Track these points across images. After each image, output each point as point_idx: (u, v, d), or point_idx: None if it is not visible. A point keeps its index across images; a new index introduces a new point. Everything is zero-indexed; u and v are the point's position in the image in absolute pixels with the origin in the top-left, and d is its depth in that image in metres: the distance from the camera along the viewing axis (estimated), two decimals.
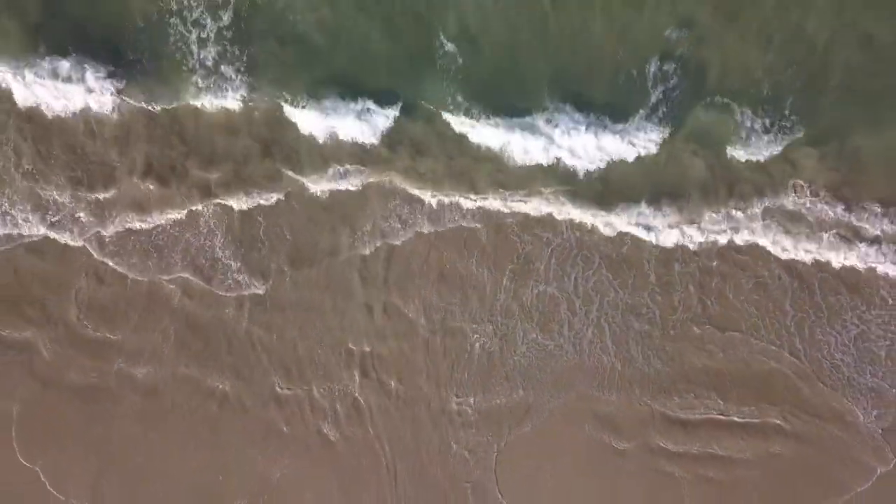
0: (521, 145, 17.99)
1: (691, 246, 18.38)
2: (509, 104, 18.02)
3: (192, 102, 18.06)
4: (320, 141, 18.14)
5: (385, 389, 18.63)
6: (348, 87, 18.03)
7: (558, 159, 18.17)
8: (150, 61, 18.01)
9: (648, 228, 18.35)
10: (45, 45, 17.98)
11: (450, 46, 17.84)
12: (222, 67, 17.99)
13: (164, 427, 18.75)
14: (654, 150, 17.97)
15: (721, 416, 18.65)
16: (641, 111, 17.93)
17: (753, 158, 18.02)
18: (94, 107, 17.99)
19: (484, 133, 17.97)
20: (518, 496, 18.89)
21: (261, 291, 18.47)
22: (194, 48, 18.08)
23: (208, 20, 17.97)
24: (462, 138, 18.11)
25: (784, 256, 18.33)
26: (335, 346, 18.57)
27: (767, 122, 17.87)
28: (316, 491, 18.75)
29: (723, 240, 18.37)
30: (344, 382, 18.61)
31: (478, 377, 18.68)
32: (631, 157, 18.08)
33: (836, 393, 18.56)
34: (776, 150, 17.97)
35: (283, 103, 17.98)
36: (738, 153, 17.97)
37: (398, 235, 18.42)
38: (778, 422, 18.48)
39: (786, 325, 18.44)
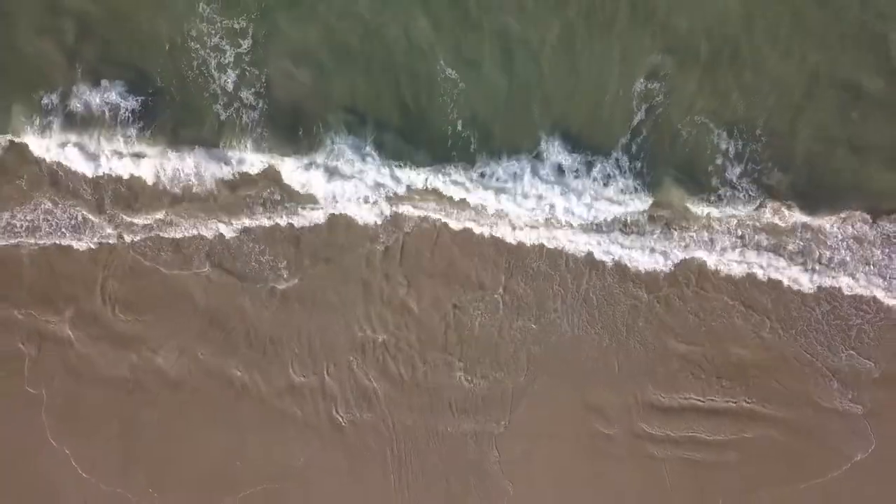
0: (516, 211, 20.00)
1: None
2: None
3: None
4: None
5: (391, 377, 20.28)
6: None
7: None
8: None
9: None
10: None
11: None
12: None
13: (187, 415, 20.33)
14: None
15: (700, 403, 20.20)
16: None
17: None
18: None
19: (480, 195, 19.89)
20: (515, 476, 20.34)
21: (287, 286, 20.28)
22: None
23: None
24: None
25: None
26: (346, 336, 20.31)
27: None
28: (327, 471, 20.25)
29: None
30: (353, 370, 20.29)
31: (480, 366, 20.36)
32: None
33: (811, 377, 20.11)
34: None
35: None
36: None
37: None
38: (755, 407, 20.03)
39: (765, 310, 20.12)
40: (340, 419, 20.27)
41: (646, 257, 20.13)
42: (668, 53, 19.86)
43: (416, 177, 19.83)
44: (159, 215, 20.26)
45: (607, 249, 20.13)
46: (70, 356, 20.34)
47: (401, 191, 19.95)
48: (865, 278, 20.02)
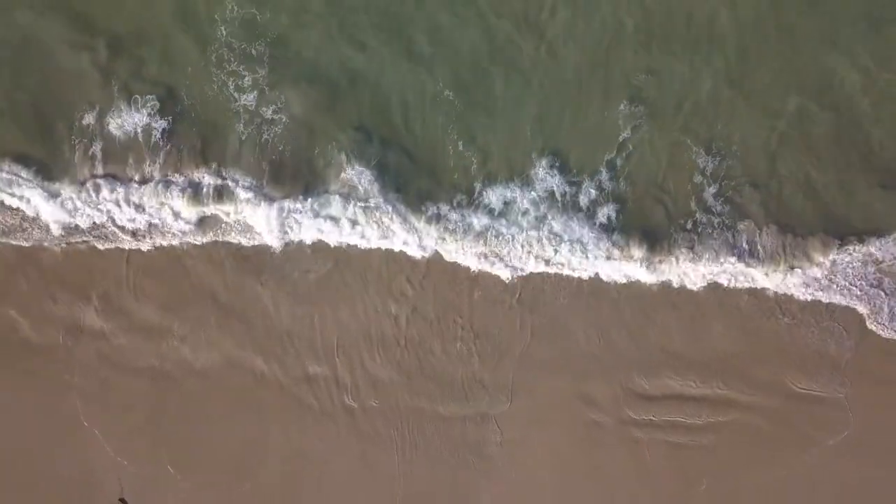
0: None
1: None
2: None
3: None
4: None
5: (399, 365, 22.24)
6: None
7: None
8: None
9: None
10: None
11: None
12: None
13: (212, 402, 22.21)
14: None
15: (681, 391, 22.17)
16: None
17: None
18: None
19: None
20: (514, 460, 22.23)
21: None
22: None
23: None
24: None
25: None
26: (358, 330, 22.26)
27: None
28: (339, 453, 22.14)
29: None
30: (364, 361, 22.24)
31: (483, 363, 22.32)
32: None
33: (786, 365, 22.09)
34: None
35: None
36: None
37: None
38: (730, 393, 22.02)
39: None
40: (353, 405, 22.17)
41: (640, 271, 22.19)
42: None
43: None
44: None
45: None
46: (103, 347, 22.21)
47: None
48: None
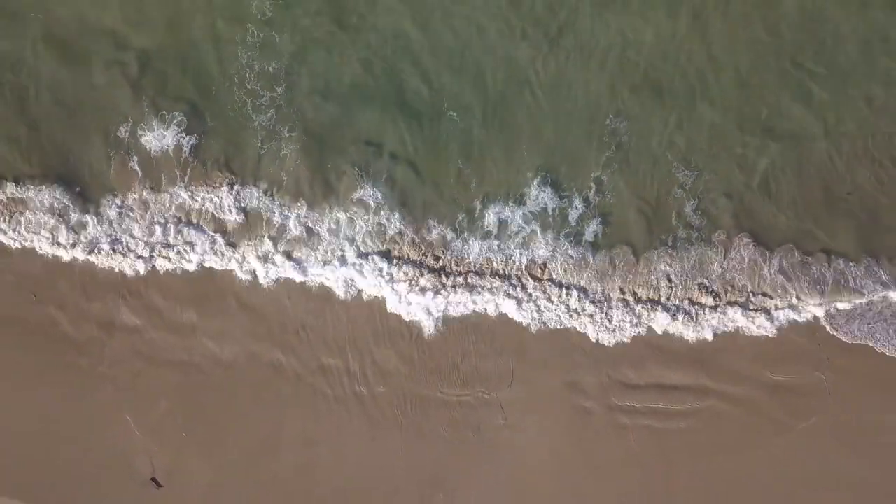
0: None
1: None
2: None
3: None
4: None
5: (404, 357, 24.42)
6: None
7: None
8: None
9: None
10: None
11: None
12: None
13: (235, 392, 24.34)
14: None
15: (662, 381, 24.30)
16: None
17: None
18: None
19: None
20: (511, 444, 24.32)
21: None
22: None
23: None
24: None
25: None
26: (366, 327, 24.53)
27: None
28: (351, 437, 24.25)
29: None
30: (372, 353, 24.44)
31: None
32: None
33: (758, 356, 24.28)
34: None
35: None
36: None
37: None
38: (707, 382, 24.16)
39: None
40: (363, 392, 24.35)
41: None
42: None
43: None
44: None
45: None
46: (136, 341, 24.42)
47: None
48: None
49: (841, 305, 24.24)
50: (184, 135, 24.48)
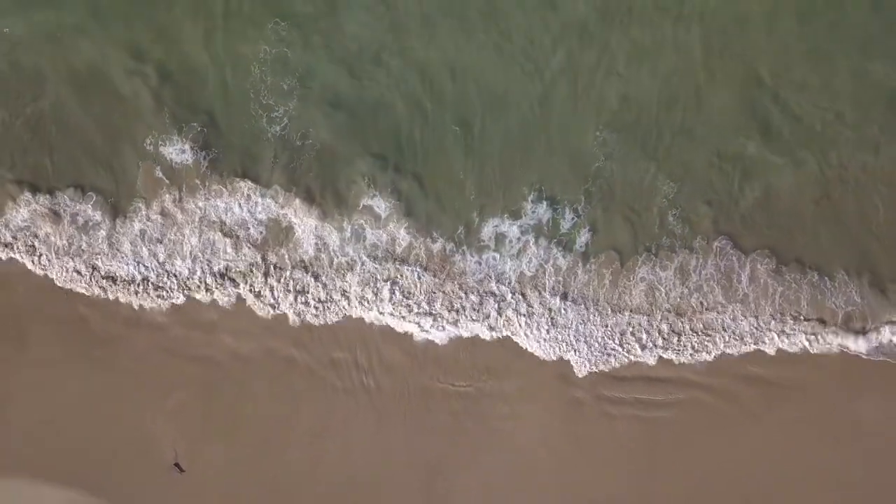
0: None
1: None
2: None
3: None
4: None
5: (408, 351, 26.42)
6: None
7: None
8: None
9: None
10: None
11: None
12: None
13: (253, 385, 26.24)
14: None
15: (648, 374, 26.27)
16: None
17: None
18: None
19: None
20: (507, 432, 26.25)
21: None
22: None
23: None
24: None
25: None
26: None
27: None
28: (360, 425, 26.22)
29: None
30: (378, 349, 26.44)
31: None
32: None
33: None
34: None
35: None
36: None
37: None
38: (686, 374, 26.13)
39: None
40: (371, 385, 26.30)
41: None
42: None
43: None
44: None
45: None
46: (161, 338, 26.36)
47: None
48: None
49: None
50: (198, 148, 26.29)
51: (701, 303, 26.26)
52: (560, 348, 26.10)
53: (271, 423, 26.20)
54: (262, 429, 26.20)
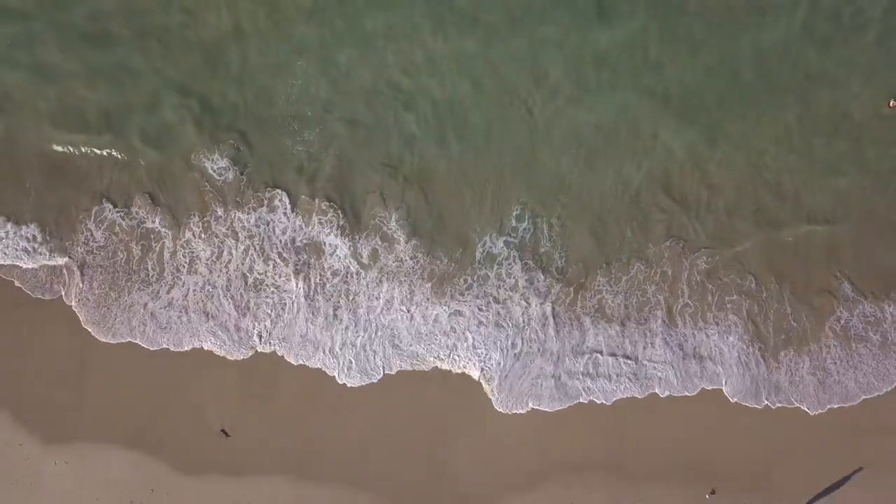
0: None
1: None
2: None
3: None
4: None
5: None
6: None
7: None
8: None
9: None
10: None
11: None
12: None
13: (282, 369, 31.68)
14: None
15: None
16: None
17: None
18: None
19: None
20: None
21: None
22: None
23: None
24: None
25: None
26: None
27: None
28: (371, 404, 31.77)
29: None
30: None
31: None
32: None
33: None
34: None
35: None
36: None
37: None
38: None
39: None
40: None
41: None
42: None
43: None
44: None
45: None
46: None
47: None
48: None
49: None
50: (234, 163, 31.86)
51: None
52: None
53: (300, 397, 31.58)
54: (293, 405, 31.49)
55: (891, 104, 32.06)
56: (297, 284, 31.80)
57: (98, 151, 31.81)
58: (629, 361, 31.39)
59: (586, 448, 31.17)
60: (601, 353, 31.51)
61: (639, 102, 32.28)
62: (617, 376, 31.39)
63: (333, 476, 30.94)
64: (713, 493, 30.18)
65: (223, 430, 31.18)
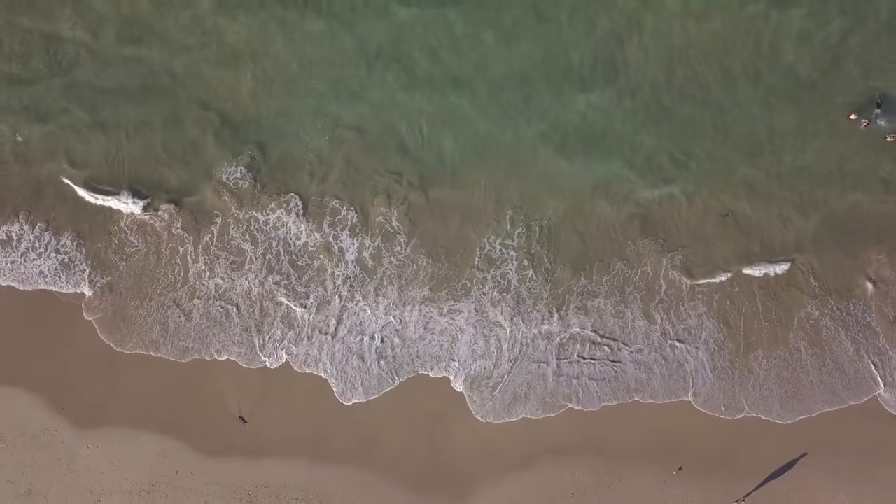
0: None
1: None
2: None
3: None
4: None
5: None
6: None
7: None
8: None
9: None
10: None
11: None
12: None
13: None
14: None
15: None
16: None
17: None
18: None
19: None
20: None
21: None
22: None
23: None
24: None
25: None
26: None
27: None
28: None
29: None
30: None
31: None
32: None
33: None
34: None
35: None
36: None
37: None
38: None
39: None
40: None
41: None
42: None
43: None
44: None
45: None
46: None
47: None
48: None
49: None
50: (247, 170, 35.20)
51: None
52: None
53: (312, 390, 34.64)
54: (305, 394, 34.52)
55: (860, 122, 35.73)
56: (307, 299, 35.14)
57: None
58: (617, 364, 34.62)
59: (569, 434, 34.34)
60: (585, 357, 34.71)
61: None
62: (600, 380, 34.64)
63: (343, 458, 33.96)
64: (680, 469, 33.58)
65: (241, 417, 34.04)
